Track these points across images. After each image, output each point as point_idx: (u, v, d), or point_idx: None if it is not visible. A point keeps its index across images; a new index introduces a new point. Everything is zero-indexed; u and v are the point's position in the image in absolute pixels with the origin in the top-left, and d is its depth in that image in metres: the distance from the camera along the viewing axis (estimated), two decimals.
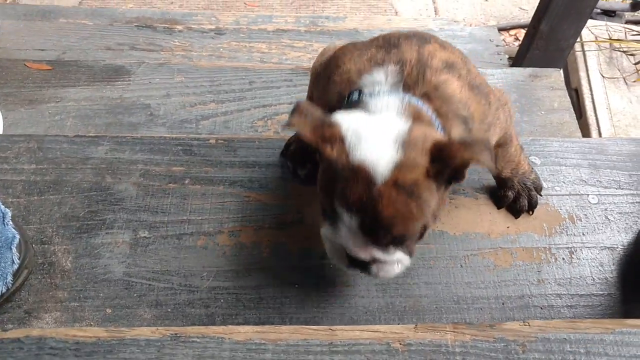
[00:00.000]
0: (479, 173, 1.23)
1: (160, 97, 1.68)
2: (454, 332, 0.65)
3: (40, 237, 1.08)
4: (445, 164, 0.78)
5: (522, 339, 0.64)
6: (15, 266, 0.95)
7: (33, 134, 1.35)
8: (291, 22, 2.38)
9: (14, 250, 0.95)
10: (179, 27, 2.26)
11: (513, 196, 1.17)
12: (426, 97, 0.87)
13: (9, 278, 0.94)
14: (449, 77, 0.90)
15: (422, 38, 0.95)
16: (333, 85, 0.95)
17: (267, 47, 2.18)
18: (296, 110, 0.82)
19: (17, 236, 0.96)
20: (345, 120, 0.82)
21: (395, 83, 0.88)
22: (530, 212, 1.18)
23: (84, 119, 1.61)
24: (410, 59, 0.90)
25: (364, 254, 0.83)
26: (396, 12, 2.83)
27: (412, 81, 0.88)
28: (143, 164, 1.19)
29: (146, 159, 1.19)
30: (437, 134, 0.83)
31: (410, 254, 0.87)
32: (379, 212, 0.77)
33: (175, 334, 0.67)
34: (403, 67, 0.89)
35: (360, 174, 0.78)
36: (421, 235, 0.87)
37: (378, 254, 0.83)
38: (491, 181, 1.21)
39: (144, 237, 1.09)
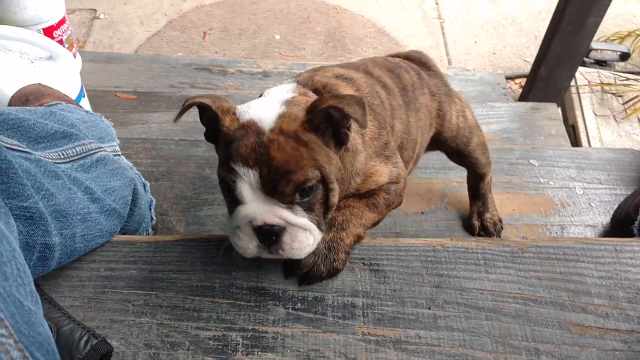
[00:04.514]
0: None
1: None
2: (476, 241, 0.98)
3: (159, 210, 1.42)
4: (316, 114, 0.85)
5: (521, 246, 0.96)
6: (153, 222, 1.29)
7: (147, 138, 1.71)
8: None
9: (152, 211, 1.30)
10: (231, 70, 2.57)
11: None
12: (315, 91, 0.99)
13: (150, 231, 1.28)
14: (341, 83, 1.01)
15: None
16: None
17: None
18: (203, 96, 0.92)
19: (154, 201, 1.31)
20: (240, 105, 0.92)
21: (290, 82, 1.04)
22: None
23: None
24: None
25: (271, 217, 0.84)
26: None
27: (303, 82, 1.01)
28: None
29: None
30: None
31: (318, 225, 0.89)
32: (273, 158, 0.81)
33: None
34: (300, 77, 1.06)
35: (250, 129, 0.84)
36: (326, 199, 0.89)
37: (285, 213, 0.84)
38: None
39: None
